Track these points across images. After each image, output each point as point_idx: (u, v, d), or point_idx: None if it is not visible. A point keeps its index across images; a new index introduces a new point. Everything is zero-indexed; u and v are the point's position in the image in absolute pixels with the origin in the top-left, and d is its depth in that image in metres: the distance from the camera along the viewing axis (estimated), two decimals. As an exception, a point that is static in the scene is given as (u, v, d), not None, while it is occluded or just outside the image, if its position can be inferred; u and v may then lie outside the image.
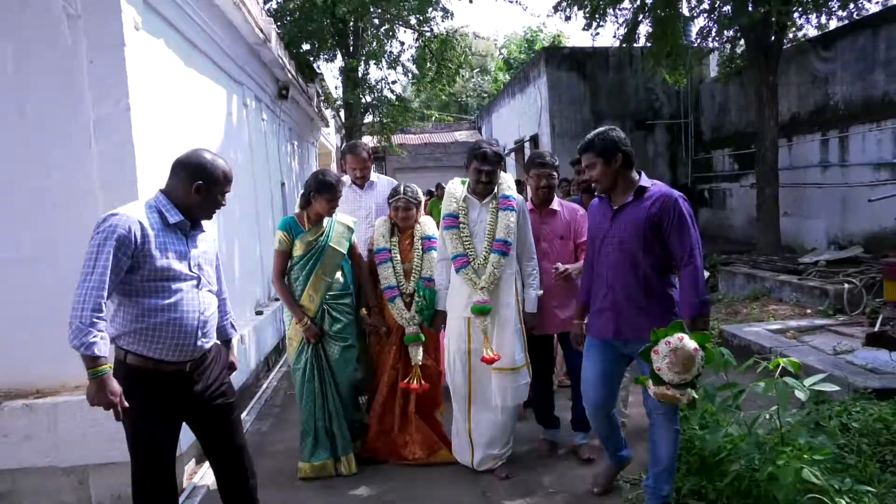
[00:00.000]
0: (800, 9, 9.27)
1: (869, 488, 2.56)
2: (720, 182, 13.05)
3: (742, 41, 9.96)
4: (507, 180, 3.69)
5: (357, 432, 3.88)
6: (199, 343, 2.48)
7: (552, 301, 3.74)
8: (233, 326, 2.93)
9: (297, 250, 3.67)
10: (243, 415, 4.88)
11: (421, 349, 3.79)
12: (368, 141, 14.91)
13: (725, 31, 10.15)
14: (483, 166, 3.51)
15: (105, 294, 2.20)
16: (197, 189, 2.44)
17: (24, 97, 3.21)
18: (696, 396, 2.62)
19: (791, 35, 10.08)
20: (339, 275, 3.77)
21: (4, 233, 3.27)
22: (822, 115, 9.81)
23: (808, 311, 6.53)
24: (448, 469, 3.76)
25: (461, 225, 3.57)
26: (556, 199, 3.91)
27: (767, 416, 2.77)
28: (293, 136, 9.34)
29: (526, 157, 15.72)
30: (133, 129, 3.22)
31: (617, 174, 2.92)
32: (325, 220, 3.74)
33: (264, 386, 5.64)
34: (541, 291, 3.67)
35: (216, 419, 2.64)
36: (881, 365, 4.56)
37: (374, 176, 4.68)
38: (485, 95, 30.90)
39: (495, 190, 3.61)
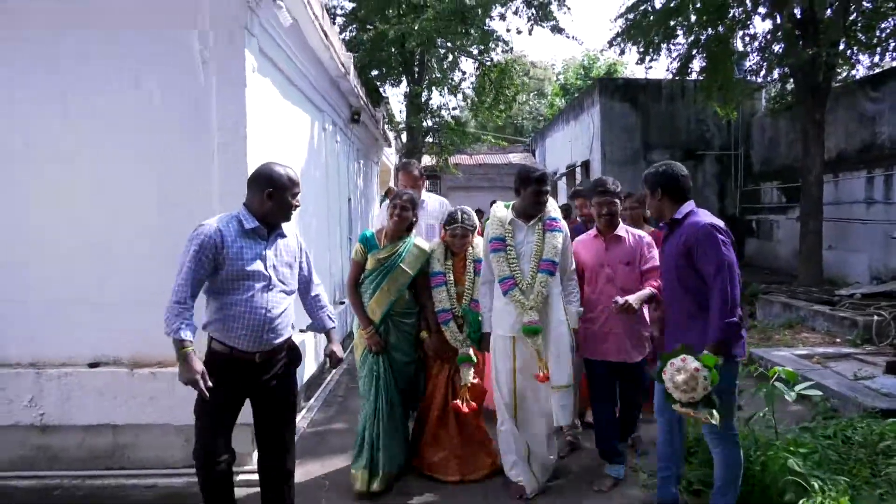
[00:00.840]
0: (855, 47, 9.57)
1: (843, 478, 3.03)
2: (768, 214, 13.29)
3: (791, 79, 10.31)
4: (551, 203, 3.78)
5: (402, 449, 3.93)
6: (265, 336, 2.81)
7: (618, 328, 3.70)
8: (330, 318, 3.26)
9: (369, 265, 3.86)
10: (311, 401, 5.57)
11: (472, 370, 3.85)
12: (427, 160, 15.71)
13: (776, 69, 10.53)
14: (543, 188, 3.62)
15: (189, 290, 2.65)
16: (269, 196, 2.78)
17: (164, 123, 3.96)
18: (713, 419, 2.70)
19: (842, 74, 10.37)
20: (407, 294, 3.90)
21: (140, 227, 4.01)
22: (869, 153, 10.07)
23: (838, 339, 6.87)
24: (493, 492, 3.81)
25: (508, 248, 3.62)
26: (622, 225, 3.90)
27: (762, 415, 3.26)
28: (360, 155, 10.14)
29: (577, 182, 16.19)
30: (248, 152, 3.95)
31: (662, 205, 3.18)
32: (402, 242, 3.87)
33: (328, 378, 6.34)
34: (581, 308, 3.76)
35: (272, 410, 2.97)
36: (897, 391, 4.92)
37: (424, 195, 4.78)
38: (540, 118, 31.48)
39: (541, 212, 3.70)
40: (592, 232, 3.96)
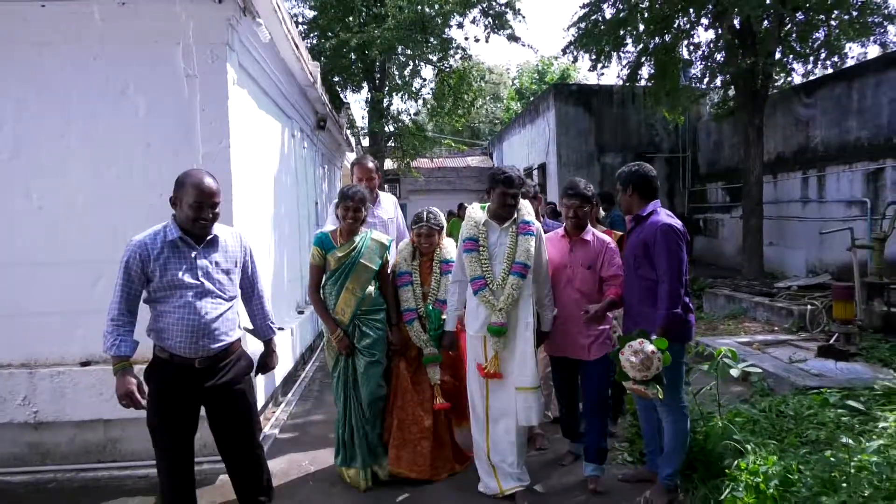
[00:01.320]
0: (790, 56, 10.27)
1: (773, 442, 3.47)
2: (714, 213, 14.01)
3: (732, 86, 10.96)
4: (525, 206, 3.76)
5: (382, 448, 3.94)
6: (201, 342, 2.82)
7: (573, 327, 3.78)
8: (271, 329, 3.25)
9: (330, 265, 3.82)
10: (288, 395, 5.82)
11: (438, 369, 3.93)
12: (390, 164, 15.98)
13: (718, 77, 11.17)
14: (510, 190, 3.57)
15: (124, 305, 2.75)
16: (172, 202, 2.79)
17: (151, 135, 4.17)
18: (660, 395, 3.10)
19: (780, 81, 11.08)
20: (371, 290, 3.85)
21: (127, 235, 4.18)
22: (804, 156, 10.79)
23: (776, 328, 7.46)
24: (468, 489, 3.83)
25: (481, 248, 3.62)
26: (589, 228, 3.92)
27: (708, 388, 3.69)
28: (324, 160, 10.37)
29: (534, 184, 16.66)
30: (231, 162, 4.20)
31: (631, 200, 3.50)
32: (358, 237, 3.84)
33: (302, 375, 6.60)
34: (555, 310, 3.81)
35: (227, 419, 2.99)
36: (827, 372, 5.40)
37: (380, 194, 4.79)
38: (497, 122, 32.06)
39: (515, 215, 3.68)
40: (561, 231, 4.01)
